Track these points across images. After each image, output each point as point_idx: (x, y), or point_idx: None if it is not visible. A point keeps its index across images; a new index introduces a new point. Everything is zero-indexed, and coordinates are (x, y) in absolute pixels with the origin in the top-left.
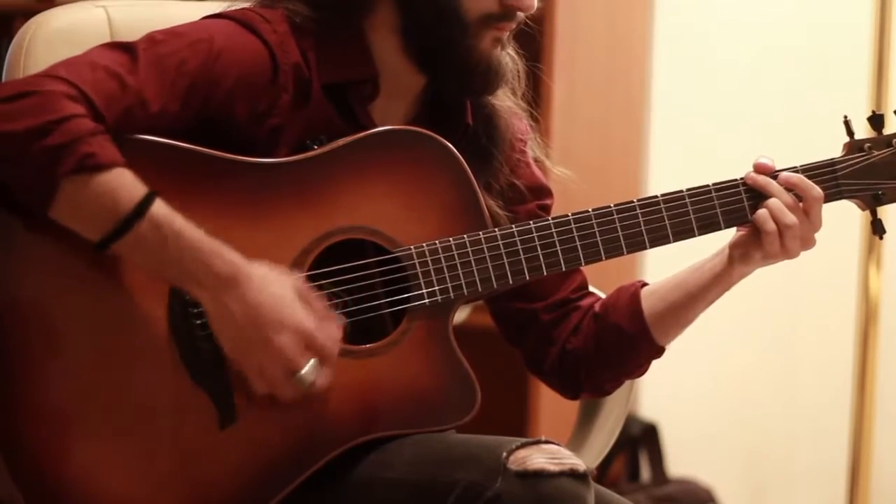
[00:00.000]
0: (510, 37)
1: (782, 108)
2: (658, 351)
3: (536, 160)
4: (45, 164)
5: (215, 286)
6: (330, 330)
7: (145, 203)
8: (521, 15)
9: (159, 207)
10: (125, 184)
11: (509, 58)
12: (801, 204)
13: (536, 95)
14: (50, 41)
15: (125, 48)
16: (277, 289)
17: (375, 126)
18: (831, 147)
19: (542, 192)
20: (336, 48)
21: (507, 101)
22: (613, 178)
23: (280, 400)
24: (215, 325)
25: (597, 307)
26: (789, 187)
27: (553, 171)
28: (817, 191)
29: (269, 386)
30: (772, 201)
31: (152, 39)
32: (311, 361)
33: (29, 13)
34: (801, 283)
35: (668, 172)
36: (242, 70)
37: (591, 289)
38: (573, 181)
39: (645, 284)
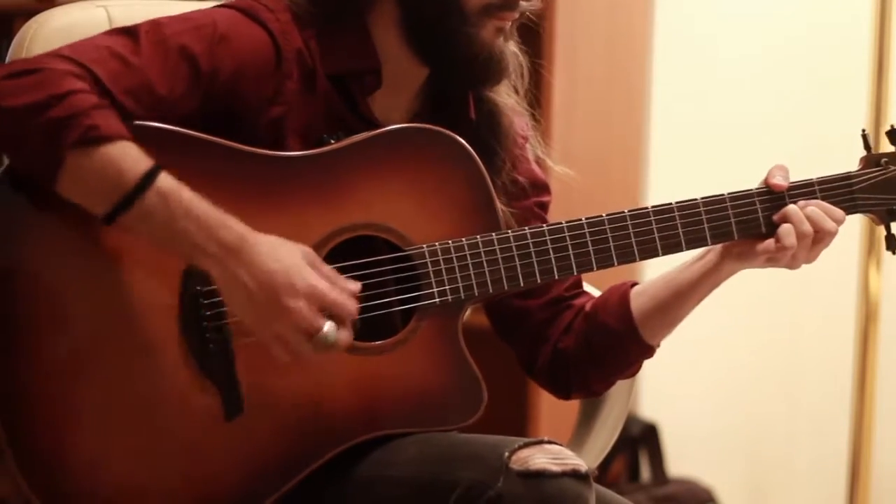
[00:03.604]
0: (513, 28)
1: (782, 108)
2: (648, 350)
3: (536, 158)
4: (49, 138)
5: (224, 255)
6: (343, 289)
7: (151, 174)
8: (523, 4)
9: (165, 179)
10: (130, 156)
11: (512, 53)
12: (815, 234)
13: (537, 93)
14: (50, 41)
15: (127, 32)
16: (286, 254)
17: (376, 117)
18: (830, 145)
19: (541, 188)
20: (338, 39)
21: (509, 99)
22: (613, 178)
23: (305, 363)
24: (227, 295)
25: (587, 306)
26: (806, 216)
27: (554, 169)
28: (831, 224)
29: (290, 351)
30: (794, 215)
31: (156, 23)
32: (329, 322)
33: (29, 13)
34: (802, 283)
35: (668, 172)
36: (245, 56)
37: (586, 287)
38: (574, 179)
39: (635, 284)
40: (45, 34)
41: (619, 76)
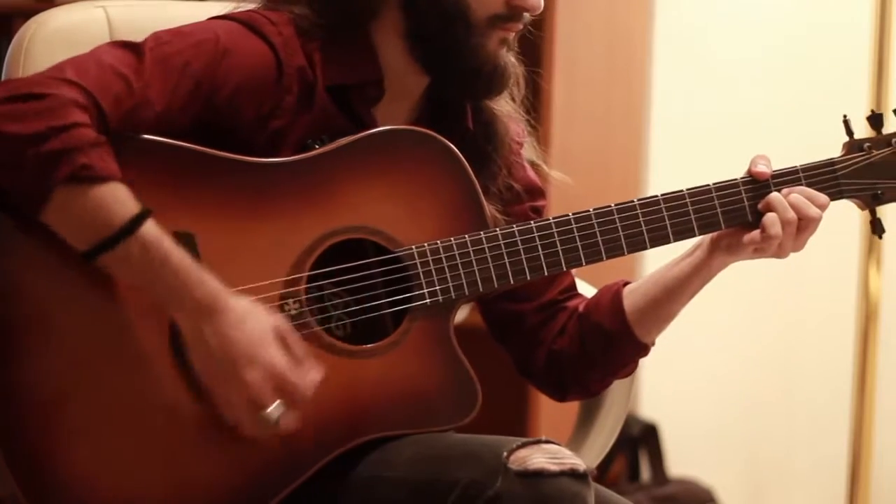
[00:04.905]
0: (515, 38)
1: (782, 107)
2: (643, 348)
3: (532, 163)
4: (41, 170)
5: (194, 313)
6: (305, 373)
7: (137, 221)
8: (527, 15)
9: (150, 228)
10: (118, 199)
11: (512, 63)
12: (799, 221)
13: (536, 95)
14: (50, 41)
15: (132, 48)
16: (255, 324)
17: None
18: (831, 145)
19: (536, 193)
20: (341, 51)
21: (505, 106)
22: (613, 178)
23: (242, 435)
24: (192, 348)
25: (581, 308)
26: (790, 203)
27: (550, 174)
28: (814, 210)
29: (233, 418)
30: (778, 203)
31: (158, 39)
32: (277, 402)
33: (29, 13)
34: (801, 283)
35: (668, 172)
36: (246, 72)
37: (582, 285)
38: (570, 185)
39: (627, 283)
40: (44, 34)
41: (619, 78)
